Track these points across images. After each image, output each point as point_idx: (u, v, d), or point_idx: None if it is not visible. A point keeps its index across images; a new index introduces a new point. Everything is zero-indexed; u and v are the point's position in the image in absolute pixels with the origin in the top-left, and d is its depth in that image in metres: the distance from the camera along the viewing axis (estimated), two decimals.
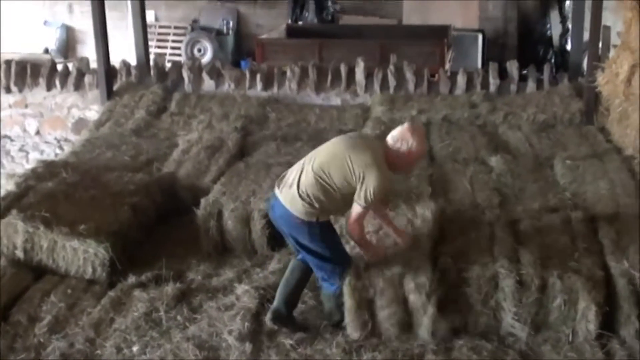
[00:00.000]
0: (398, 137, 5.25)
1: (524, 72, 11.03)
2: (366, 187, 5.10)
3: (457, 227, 6.11)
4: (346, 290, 5.33)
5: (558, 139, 8.86)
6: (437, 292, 5.29)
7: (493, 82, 10.52)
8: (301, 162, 5.43)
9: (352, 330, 5.36)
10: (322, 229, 5.34)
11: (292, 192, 5.28)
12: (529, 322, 5.33)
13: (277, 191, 5.41)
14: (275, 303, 5.52)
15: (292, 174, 5.41)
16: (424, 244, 5.75)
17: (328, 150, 5.36)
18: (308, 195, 5.21)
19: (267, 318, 5.51)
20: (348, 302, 5.32)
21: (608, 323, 5.35)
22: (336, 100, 10.79)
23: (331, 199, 5.24)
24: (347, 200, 5.25)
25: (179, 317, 5.70)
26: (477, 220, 6.29)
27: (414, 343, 5.29)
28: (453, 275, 5.45)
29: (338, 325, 5.48)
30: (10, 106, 11.35)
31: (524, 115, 9.50)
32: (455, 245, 5.77)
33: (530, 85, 10.56)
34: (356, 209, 5.21)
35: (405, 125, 5.32)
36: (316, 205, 5.21)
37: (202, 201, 6.89)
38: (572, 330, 5.33)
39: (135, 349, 5.33)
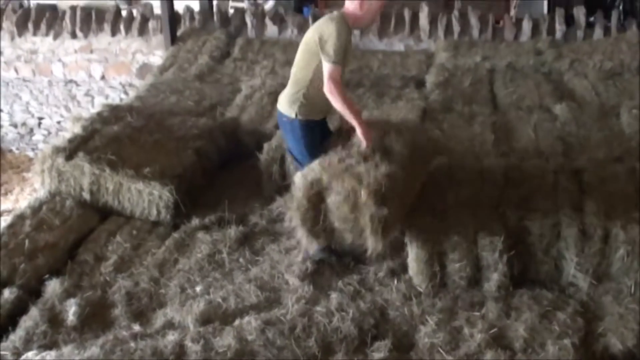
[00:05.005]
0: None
1: (591, 18, 10.77)
2: (327, 43, 5.14)
3: (520, 175, 6.05)
4: (416, 241, 5.31)
5: (625, 88, 8.67)
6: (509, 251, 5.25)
7: (559, 28, 10.34)
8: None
9: (420, 280, 5.34)
10: (304, 128, 5.49)
11: (283, 93, 5.60)
12: (590, 272, 5.27)
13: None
14: None
15: None
16: (492, 197, 5.72)
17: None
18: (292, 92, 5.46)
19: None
20: (419, 252, 5.29)
21: None
22: (399, 46, 10.71)
23: (311, 87, 5.37)
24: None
25: (241, 259, 5.79)
26: (541, 169, 6.20)
27: (474, 291, 5.29)
28: (514, 223, 5.41)
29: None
30: (75, 51, 11.54)
31: (591, 63, 9.30)
32: (518, 192, 5.72)
33: (598, 32, 10.35)
34: (326, 68, 5.18)
35: None
36: (299, 96, 5.41)
37: (265, 146, 6.92)
38: (634, 282, 5.24)
39: (198, 289, 5.44)
